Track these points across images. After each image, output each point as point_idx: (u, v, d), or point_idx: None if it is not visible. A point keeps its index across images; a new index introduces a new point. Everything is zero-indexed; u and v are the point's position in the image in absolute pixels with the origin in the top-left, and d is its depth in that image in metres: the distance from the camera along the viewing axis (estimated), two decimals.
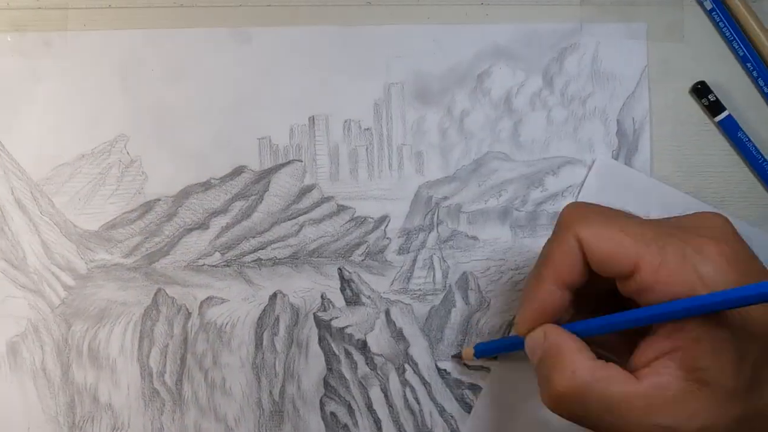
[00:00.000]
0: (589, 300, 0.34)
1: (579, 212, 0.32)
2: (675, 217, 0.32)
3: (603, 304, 0.33)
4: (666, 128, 0.48)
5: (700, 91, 0.47)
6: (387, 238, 0.47)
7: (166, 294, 0.46)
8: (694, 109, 0.48)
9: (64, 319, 0.45)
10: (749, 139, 0.47)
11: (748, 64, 0.47)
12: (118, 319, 0.45)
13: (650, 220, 0.32)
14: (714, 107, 0.47)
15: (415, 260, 0.47)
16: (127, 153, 0.47)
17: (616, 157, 0.49)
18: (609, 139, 0.48)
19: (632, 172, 0.45)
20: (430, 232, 0.47)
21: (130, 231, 0.47)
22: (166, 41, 0.47)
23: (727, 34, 0.48)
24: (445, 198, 0.48)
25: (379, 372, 0.46)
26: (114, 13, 0.47)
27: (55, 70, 0.46)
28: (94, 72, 0.47)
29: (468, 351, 0.45)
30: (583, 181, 0.45)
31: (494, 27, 0.48)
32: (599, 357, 0.31)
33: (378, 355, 0.46)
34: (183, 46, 0.47)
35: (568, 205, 0.33)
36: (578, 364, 0.29)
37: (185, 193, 0.47)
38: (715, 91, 0.47)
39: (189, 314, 0.46)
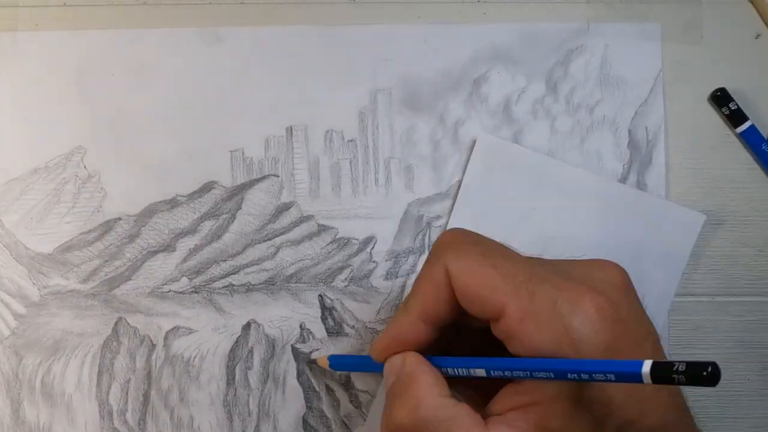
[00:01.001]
0: (470, 333, 0.34)
1: (453, 240, 0.31)
2: (566, 260, 0.32)
3: (487, 341, 0.32)
4: (682, 139, 0.48)
5: (720, 98, 0.47)
6: (373, 262, 0.47)
7: (128, 323, 0.46)
8: (713, 118, 0.48)
9: (14, 352, 0.44)
10: None
11: None
12: (74, 352, 0.45)
13: (533, 259, 0.32)
14: (735, 116, 0.47)
15: (404, 286, 0.47)
16: (85, 167, 0.46)
17: (627, 171, 0.48)
18: (619, 151, 0.48)
19: (517, 147, 0.45)
20: (420, 255, 0.47)
21: (87, 254, 0.46)
22: (127, 43, 0.47)
23: None
24: (438, 217, 0.47)
25: (364, 411, 0.46)
26: (70, 11, 0.47)
27: (3, 75, 0.46)
28: (47, 77, 0.46)
29: (323, 360, 0.44)
30: (465, 165, 0.45)
31: (492, 27, 0.48)
32: (466, 394, 0.31)
33: (363, 391, 0.46)
34: (146, 48, 0.47)
35: (445, 231, 0.33)
36: (425, 398, 0.29)
37: (149, 212, 0.47)
38: (736, 99, 0.47)
39: (153, 346, 0.46)
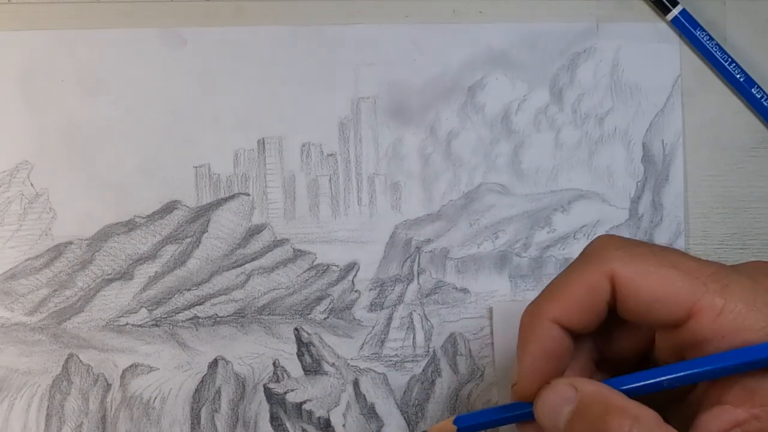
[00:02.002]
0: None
1: (616, 243, 0.31)
2: (728, 265, 0.31)
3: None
4: (703, 154, 0.48)
5: None
6: (355, 291, 0.47)
7: (80, 361, 0.45)
8: (738, 130, 0.48)
9: None
10: None
11: None
12: (19, 392, 0.45)
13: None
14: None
15: (390, 319, 0.47)
16: (31, 185, 0.46)
17: (641, 190, 0.48)
18: (632, 167, 0.48)
19: None
20: (409, 284, 0.47)
21: (34, 282, 0.46)
22: (79, 45, 0.47)
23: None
24: (428, 241, 0.47)
25: None
26: (14, 9, 0.46)
27: None
28: None
29: (446, 425, 0.39)
30: (491, 332, 0.45)
31: (489, 27, 0.48)
32: None
33: None
34: (101, 50, 0.47)
35: (601, 236, 0.32)
36: (641, 410, 0.28)
37: (103, 235, 0.46)
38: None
39: (108, 386, 0.45)
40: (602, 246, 0.31)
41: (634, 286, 0.29)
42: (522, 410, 0.32)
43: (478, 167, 0.48)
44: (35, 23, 0.47)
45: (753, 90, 0.47)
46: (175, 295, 0.47)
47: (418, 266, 0.47)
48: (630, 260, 0.29)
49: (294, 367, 0.46)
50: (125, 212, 0.47)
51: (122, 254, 0.47)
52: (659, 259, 0.29)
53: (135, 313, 0.46)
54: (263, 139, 0.47)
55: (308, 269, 0.47)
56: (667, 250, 0.31)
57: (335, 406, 0.46)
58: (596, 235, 0.45)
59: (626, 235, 0.48)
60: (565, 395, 0.29)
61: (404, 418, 0.46)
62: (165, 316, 0.46)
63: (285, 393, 0.46)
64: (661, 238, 0.48)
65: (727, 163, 0.48)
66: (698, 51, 0.48)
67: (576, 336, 0.31)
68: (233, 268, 0.47)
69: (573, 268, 0.32)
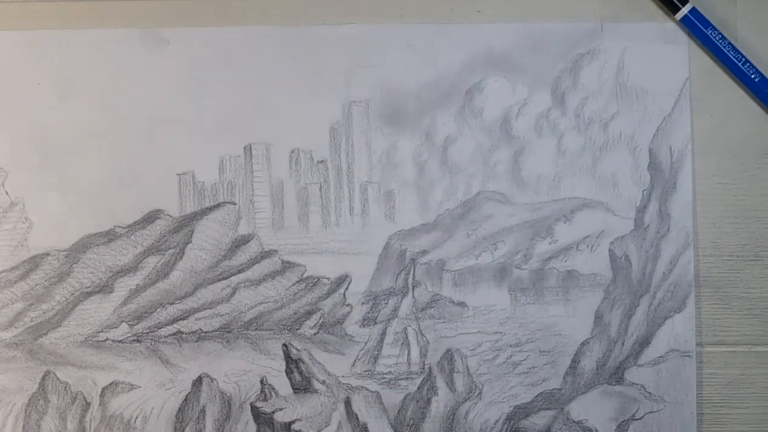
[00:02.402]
0: None
1: None
2: None
3: None
4: (713, 160, 0.48)
5: None
6: (347, 305, 0.47)
7: (57, 378, 0.46)
8: (749, 136, 0.48)
9: None
10: None
11: None
12: None
13: None
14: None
15: (383, 334, 0.47)
16: (6, 193, 0.46)
17: (647, 199, 0.47)
18: (638, 175, 0.48)
19: None
20: (403, 298, 0.47)
21: (9, 295, 0.46)
22: (56, 46, 0.46)
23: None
24: (424, 252, 0.47)
25: None
26: None
27: None
28: None
29: None
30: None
31: (488, 27, 0.47)
32: None
33: None
34: (79, 52, 0.47)
35: None
36: None
37: (82, 246, 0.46)
38: None
39: (87, 405, 0.46)
40: None
41: None
42: None
43: (476, 175, 0.48)
44: (6, 23, 0.47)
45: None
46: (158, 310, 0.47)
47: (413, 279, 0.47)
48: None
49: (282, 385, 0.46)
50: (105, 222, 0.46)
51: (102, 266, 0.46)
52: None
53: (115, 328, 0.46)
54: (250, 145, 0.47)
55: (297, 282, 0.47)
56: None
57: (326, 426, 0.46)
58: (600, 246, 0.46)
59: (632, 246, 0.47)
60: None
61: None
62: (147, 331, 0.46)
63: (273, 412, 0.46)
64: (669, 250, 0.47)
65: (738, 170, 0.48)
66: (709, 51, 0.47)
67: None
68: (218, 280, 0.47)
69: None
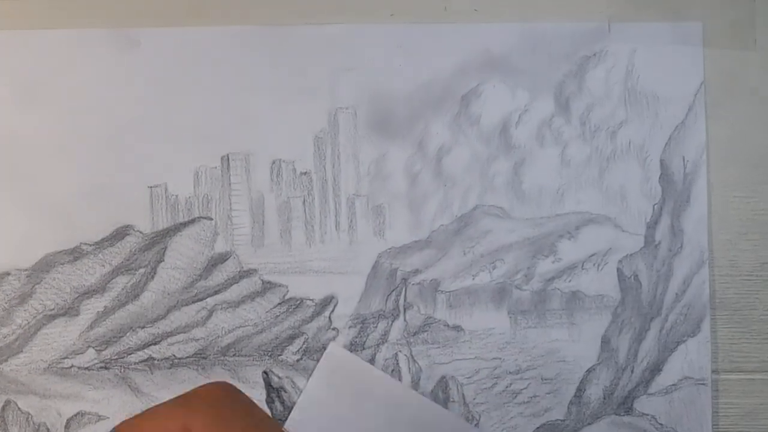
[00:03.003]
0: None
1: None
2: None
3: None
4: (730, 172, 0.47)
5: None
6: (333, 329, 0.46)
7: (18, 408, 0.45)
8: None
9: None
10: None
11: None
12: None
13: None
14: None
15: (372, 360, 0.46)
16: None
17: (658, 213, 0.46)
18: (649, 187, 0.47)
19: (363, 365, 0.45)
20: (394, 321, 0.46)
21: None
22: (17, 48, 0.46)
23: None
24: (416, 272, 0.46)
25: None
26: None
27: None
28: None
29: None
30: (310, 374, 0.45)
31: (486, 27, 0.47)
32: None
33: None
34: (43, 54, 0.46)
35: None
36: None
37: (45, 265, 0.45)
38: None
39: None
40: None
41: None
42: None
43: (472, 187, 0.47)
44: None
45: None
46: (127, 334, 0.46)
47: (405, 300, 0.46)
48: None
49: None
50: (70, 239, 0.45)
51: (67, 287, 0.46)
52: None
53: (81, 353, 0.45)
54: (227, 155, 0.46)
55: (279, 304, 0.46)
56: None
57: None
58: (608, 265, 0.46)
59: (642, 265, 0.46)
60: None
61: None
62: (115, 357, 0.45)
63: None
64: (682, 269, 0.46)
65: (757, 183, 0.47)
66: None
67: None
68: (193, 302, 0.46)
69: None
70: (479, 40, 0.47)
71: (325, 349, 0.46)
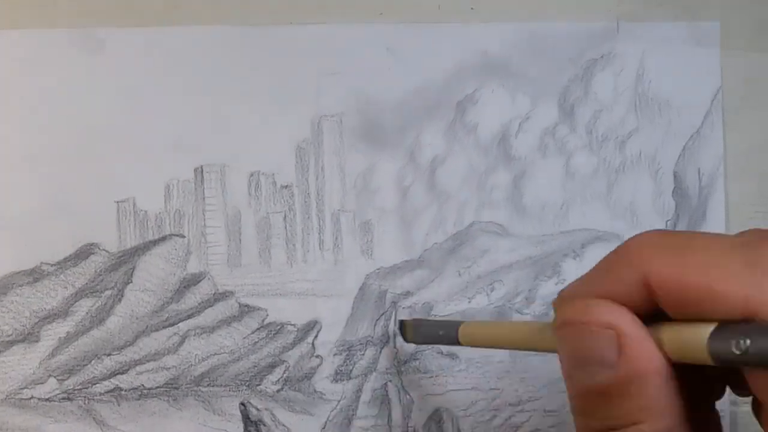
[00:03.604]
0: None
1: (654, 242, 0.31)
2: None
3: None
4: (750, 185, 0.47)
5: None
6: (317, 357, 0.45)
7: None
8: None
9: None
10: None
11: None
12: None
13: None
14: None
15: (359, 391, 0.45)
16: None
17: (673, 229, 0.46)
18: (661, 202, 0.47)
19: None
20: (383, 348, 0.46)
21: None
22: None
23: None
24: (407, 294, 0.46)
25: None
26: None
27: None
28: None
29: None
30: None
31: (483, 27, 0.46)
32: None
33: None
34: None
35: (638, 235, 0.33)
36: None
37: (2, 287, 0.44)
38: None
39: None
40: (637, 246, 0.31)
41: (674, 290, 0.29)
42: None
43: (469, 202, 0.46)
44: None
45: None
46: (92, 362, 0.44)
47: (394, 324, 0.45)
48: (669, 261, 0.30)
49: None
50: (29, 258, 0.44)
51: (26, 310, 0.44)
52: (701, 257, 0.29)
53: (42, 383, 0.44)
54: (201, 167, 0.45)
55: (258, 329, 0.45)
56: (702, 237, 0.31)
57: None
58: None
59: None
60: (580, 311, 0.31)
61: None
62: (79, 387, 0.44)
63: None
64: None
65: None
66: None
67: None
68: (164, 327, 0.45)
69: (598, 272, 0.32)
70: (476, 42, 0.46)
71: (309, 378, 0.45)
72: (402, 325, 0.44)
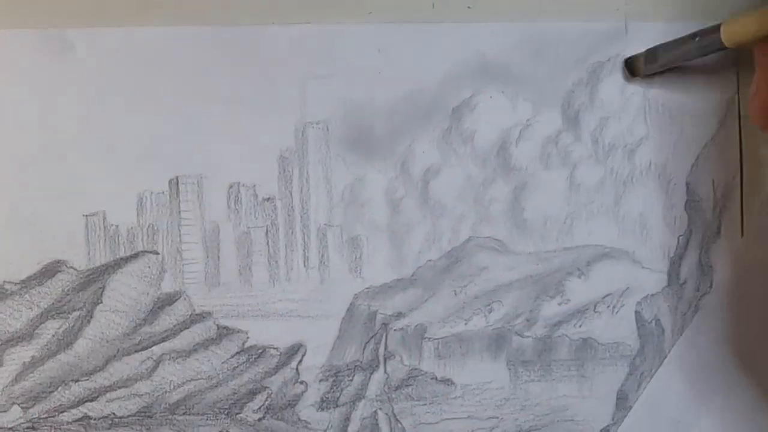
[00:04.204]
0: None
1: None
2: None
3: None
4: None
5: None
6: (301, 383, 0.45)
7: None
8: None
9: None
10: None
11: None
12: None
13: None
14: None
15: (347, 420, 0.45)
16: None
17: (683, 248, 0.46)
18: (673, 216, 0.47)
19: None
20: (372, 373, 0.46)
21: None
22: None
23: None
24: (399, 315, 0.46)
25: None
26: None
27: None
28: None
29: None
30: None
31: (481, 28, 0.46)
32: None
33: None
34: None
35: None
36: None
37: None
38: None
39: None
40: None
41: None
42: None
43: (465, 216, 0.46)
44: None
45: None
46: (59, 388, 0.44)
47: (385, 349, 0.45)
48: None
49: None
50: None
51: None
52: None
53: (4, 412, 0.44)
54: (177, 178, 0.45)
55: (237, 353, 0.45)
56: None
57: None
58: (624, 307, 0.46)
59: (665, 308, 0.46)
60: None
61: None
62: (45, 416, 0.44)
63: None
64: (712, 313, 0.46)
65: None
66: None
67: None
68: (137, 351, 0.44)
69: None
70: (473, 43, 0.46)
71: (293, 405, 0.45)
72: (630, 61, 0.45)
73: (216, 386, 0.44)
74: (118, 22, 0.44)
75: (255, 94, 0.45)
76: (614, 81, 0.46)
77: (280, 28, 0.45)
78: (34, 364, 0.44)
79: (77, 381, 0.44)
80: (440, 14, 0.45)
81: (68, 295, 0.44)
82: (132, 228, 0.44)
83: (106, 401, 0.44)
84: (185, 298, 0.44)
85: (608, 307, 0.46)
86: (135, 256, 0.44)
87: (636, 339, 0.46)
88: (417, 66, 0.45)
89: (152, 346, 0.44)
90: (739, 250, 0.46)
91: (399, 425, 0.45)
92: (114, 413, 0.44)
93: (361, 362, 0.45)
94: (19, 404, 0.43)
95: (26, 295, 0.44)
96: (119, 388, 0.44)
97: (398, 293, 0.45)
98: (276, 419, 0.44)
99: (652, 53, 0.45)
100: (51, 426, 0.43)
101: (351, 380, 0.45)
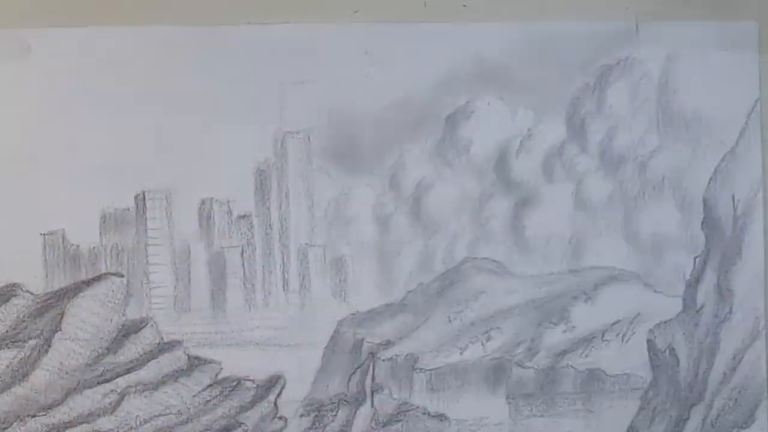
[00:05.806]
0: None
1: None
2: None
3: None
4: None
5: None
6: (280, 418, 0.44)
7: None
8: None
9: None
10: None
11: None
12: None
13: None
14: None
15: None
16: None
17: (700, 270, 0.45)
18: (688, 236, 0.45)
19: None
20: (358, 407, 0.44)
21: None
22: None
23: None
24: (388, 344, 0.44)
25: None
26: None
27: None
28: None
29: None
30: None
31: (478, 28, 0.44)
32: None
33: None
34: None
35: None
36: None
37: None
38: None
39: None
40: None
41: None
42: None
43: (461, 235, 0.45)
44: None
45: None
46: (14, 424, 0.43)
47: (373, 381, 0.44)
48: None
49: None
50: None
51: None
52: None
53: None
54: (143, 192, 0.44)
55: (210, 386, 0.43)
56: None
57: None
58: (635, 335, 0.45)
59: (680, 335, 0.45)
60: None
61: None
62: None
63: None
64: (732, 341, 0.44)
65: None
66: None
67: None
68: (99, 383, 0.43)
69: None
70: (469, 44, 0.44)
71: None
72: None
73: (186, 422, 0.43)
74: (78, 21, 0.43)
75: (229, 101, 0.43)
76: (624, 86, 0.45)
77: (256, 28, 0.43)
78: None
79: (34, 416, 0.43)
80: (433, 13, 0.44)
81: (24, 321, 0.43)
82: (94, 248, 0.43)
83: None
84: (152, 325, 0.43)
85: (617, 335, 0.45)
86: (97, 278, 0.43)
87: (648, 370, 0.45)
88: (407, 70, 0.44)
89: (116, 378, 0.43)
90: (763, 272, 0.44)
91: None
92: None
93: (346, 395, 0.44)
94: None
95: None
96: (80, 423, 0.43)
97: (387, 319, 0.44)
98: None
99: None
100: None
101: (335, 415, 0.43)
